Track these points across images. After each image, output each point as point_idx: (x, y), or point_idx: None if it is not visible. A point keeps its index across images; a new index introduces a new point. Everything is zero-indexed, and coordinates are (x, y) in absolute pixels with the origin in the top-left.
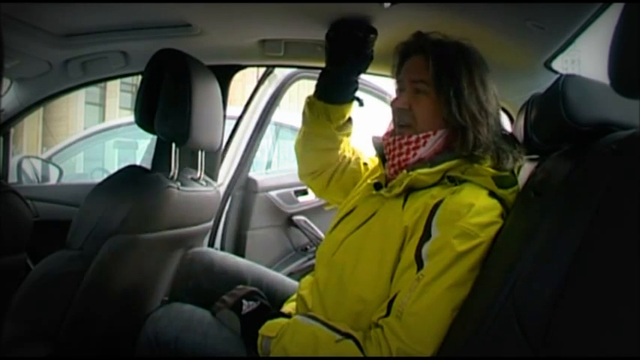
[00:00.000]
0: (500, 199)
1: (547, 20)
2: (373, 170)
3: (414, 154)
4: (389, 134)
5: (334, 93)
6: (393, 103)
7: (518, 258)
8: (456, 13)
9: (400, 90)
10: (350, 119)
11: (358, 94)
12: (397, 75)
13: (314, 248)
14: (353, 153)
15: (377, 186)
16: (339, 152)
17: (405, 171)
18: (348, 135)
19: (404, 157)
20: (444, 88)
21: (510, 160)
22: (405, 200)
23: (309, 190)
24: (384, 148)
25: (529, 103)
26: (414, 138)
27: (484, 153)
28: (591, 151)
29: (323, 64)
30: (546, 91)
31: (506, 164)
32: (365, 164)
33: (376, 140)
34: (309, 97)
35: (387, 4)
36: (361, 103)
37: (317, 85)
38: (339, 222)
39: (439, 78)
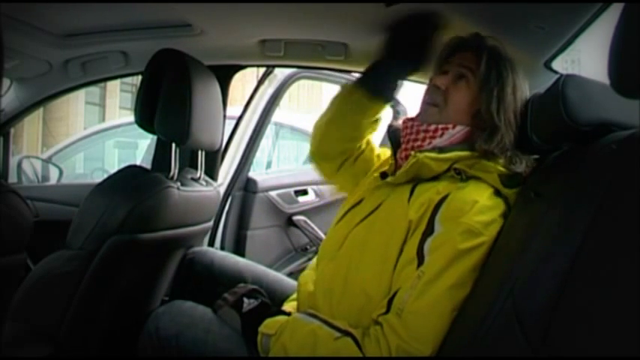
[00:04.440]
0: (505, 198)
1: (547, 20)
2: (383, 163)
3: (429, 143)
4: (410, 119)
5: (382, 88)
6: (430, 81)
7: (518, 258)
8: (455, 12)
9: (443, 72)
10: (380, 119)
11: None
12: (442, 62)
13: (314, 248)
14: (367, 143)
15: (383, 175)
16: (358, 144)
17: (412, 152)
18: (373, 131)
19: (418, 143)
20: (490, 85)
21: (523, 165)
22: (411, 193)
23: (309, 190)
24: (401, 131)
25: (529, 103)
26: (432, 127)
27: (501, 153)
28: (591, 151)
29: (323, 64)
30: (546, 91)
31: (517, 168)
32: (378, 155)
33: (392, 127)
34: (349, 85)
35: (387, 4)
36: (394, 104)
37: (365, 76)
38: (345, 214)
39: (488, 75)
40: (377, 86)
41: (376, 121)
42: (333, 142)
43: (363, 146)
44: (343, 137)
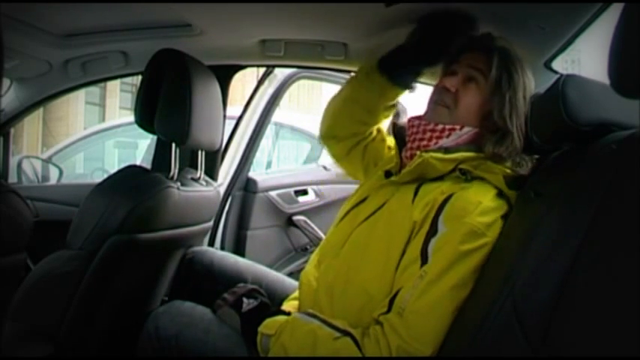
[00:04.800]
0: (507, 199)
1: (547, 20)
2: (388, 160)
3: (436, 143)
4: (415, 118)
5: (402, 74)
6: (439, 82)
7: (518, 258)
8: None
9: (451, 73)
10: (395, 105)
11: None
12: (450, 62)
13: (314, 248)
14: (378, 132)
15: (387, 174)
16: (370, 130)
17: (418, 152)
18: (386, 117)
19: (425, 142)
20: (502, 90)
21: (528, 168)
22: (416, 193)
23: (309, 190)
24: (407, 130)
25: (529, 103)
26: (439, 127)
27: (509, 157)
28: (591, 151)
29: (323, 64)
30: (546, 91)
31: (522, 171)
32: (389, 147)
33: (397, 126)
34: (369, 66)
35: (387, 4)
36: (412, 90)
37: (386, 59)
38: (348, 212)
39: (499, 79)
40: (399, 72)
41: (391, 106)
42: (345, 122)
43: (374, 133)
44: (356, 119)
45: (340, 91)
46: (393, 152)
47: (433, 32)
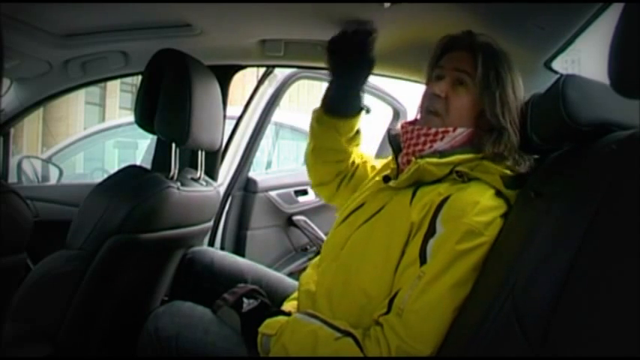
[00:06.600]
0: (506, 199)
1: (547, 20)
2: (385, 166)
3: (430, 147)
4: (408, 123)
5: (342, 106)
6: (428, 88)
7: (518, 258)
8: (455, 12)
9: (439, 77)
10: (358, 131)
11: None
12: (435, 65)
13: (314, 248)
14: (361, 158)
15: (386, 179)
16: (349, 162)
17: (414, 158)
18: (357, 145)
19: (419, 147)
20: (491, 89)
21: (527, 166)
22: (413, 195)
23: (309, 190)
24: (401, 136)
25: (529, 103)
26: (432, 131)
27: (509, 155)
28: (591, 151)
29: (323, 64)
30: (546, 91)
31: (521, 169)
32: (373, 167)
33: (392, 132)
34: (316, 112)
35: (387, 4)
36: (368, 111)
37: (324, 100)
38: (348, 216)
39: (487, 77)
40: (338, 106)
41: (356, 133)
42: (324, 169)
43: (357, 161)
44: (331, 162)
45: (308, 142)
46: (379, 169)
47: (340, 52)
